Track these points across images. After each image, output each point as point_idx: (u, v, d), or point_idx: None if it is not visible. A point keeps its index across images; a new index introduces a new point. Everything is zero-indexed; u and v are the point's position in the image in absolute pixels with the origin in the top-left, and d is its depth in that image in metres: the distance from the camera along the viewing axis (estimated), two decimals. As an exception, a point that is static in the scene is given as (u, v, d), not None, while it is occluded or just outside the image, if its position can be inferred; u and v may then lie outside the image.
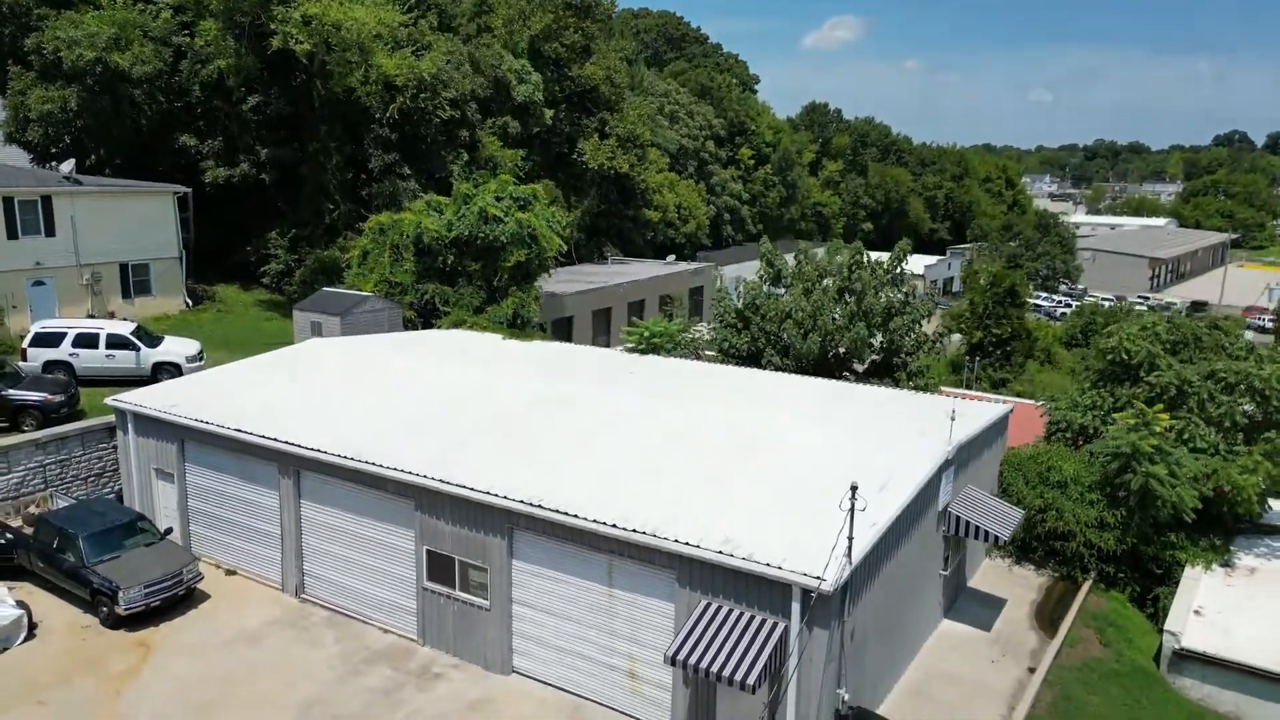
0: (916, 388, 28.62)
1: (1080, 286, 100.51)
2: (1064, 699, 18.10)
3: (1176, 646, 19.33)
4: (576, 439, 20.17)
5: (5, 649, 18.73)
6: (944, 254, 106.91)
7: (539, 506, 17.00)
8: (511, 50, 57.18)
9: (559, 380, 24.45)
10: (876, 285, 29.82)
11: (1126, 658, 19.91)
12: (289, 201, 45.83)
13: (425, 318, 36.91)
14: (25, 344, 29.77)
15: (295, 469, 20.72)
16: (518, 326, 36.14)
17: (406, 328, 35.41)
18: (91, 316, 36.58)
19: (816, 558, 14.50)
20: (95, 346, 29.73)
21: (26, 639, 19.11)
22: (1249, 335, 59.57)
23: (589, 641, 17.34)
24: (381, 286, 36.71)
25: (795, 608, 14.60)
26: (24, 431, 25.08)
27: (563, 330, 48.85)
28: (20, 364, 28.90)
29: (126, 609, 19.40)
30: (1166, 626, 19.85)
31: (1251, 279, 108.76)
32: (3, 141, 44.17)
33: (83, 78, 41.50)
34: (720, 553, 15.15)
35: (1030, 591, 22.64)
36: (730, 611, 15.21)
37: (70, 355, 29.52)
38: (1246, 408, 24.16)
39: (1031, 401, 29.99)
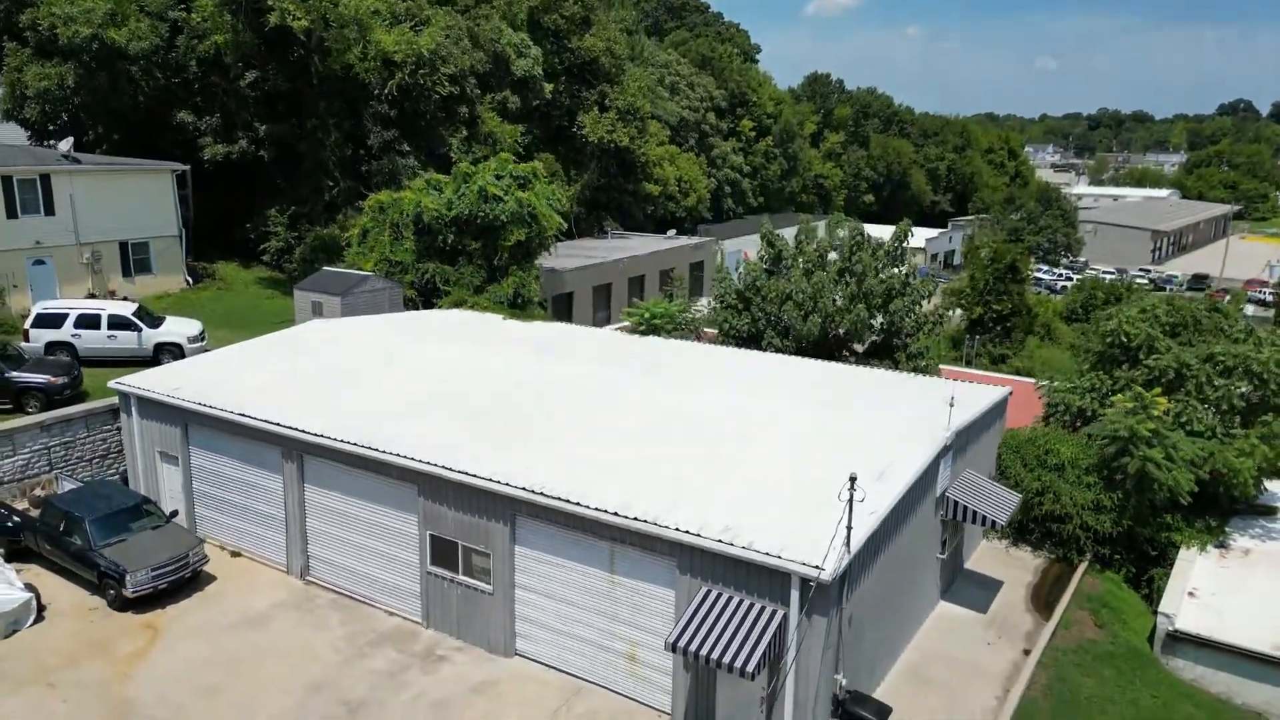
0: (916, 369, 28.71)
1: (1081, 259, 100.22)
2: (1059, 680, 18.37)
3: (1170, 628, 19.54)
4: (578, 423, 20.33)
5: (15, 631, 18.95)
6: (945, 226, 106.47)
7: (541, 494, 17.12)
8: (510, 22, 56.63)
9: (560, 362, 24.63)
10: (877, 266, 29.85)
11: (1121, 639, 20.13)
12: (288, 178, 45.62)
13: (426, 297, 36.93)
14: (27, 325, 29.86)
15: (298, 453, 20.87)
16: (518, 306, 36.18)
17: (407, 307, 35.45)
18: (92, 295, 36.63)
19: (815, 546, 14.67)
20: (97, 327, 29.86)
21: (35, 621, 19.35)
22: (1250, 309, 59.69)
23: (591, 626, 17.56)
24: (382, 265, 36.73)
25: (794, 596, 14.79)
26: (28, 414, 25.18)
27: (563, 306, 48.79)
28: (22, 345, 29.00)
29: (134, 592, 19.63)
30: (1161, 608, 20.03)
31: (1254, 251, 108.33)
32: (0, 119, 43.95)
33: (79, 54, 41.19)
34: (720, 541, 15.32)
35: (1026, 573, 22.87)
36: (730, 599, 15.42)
37: (72, 336, 29.64)
38: (1244, 390, 24.25)
39: (1031, 380, 30.07)
